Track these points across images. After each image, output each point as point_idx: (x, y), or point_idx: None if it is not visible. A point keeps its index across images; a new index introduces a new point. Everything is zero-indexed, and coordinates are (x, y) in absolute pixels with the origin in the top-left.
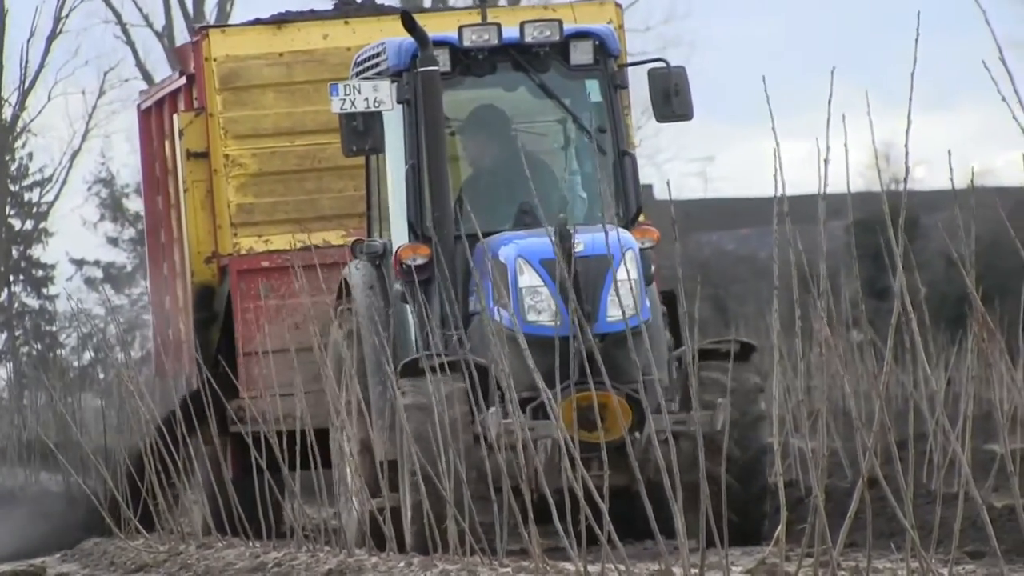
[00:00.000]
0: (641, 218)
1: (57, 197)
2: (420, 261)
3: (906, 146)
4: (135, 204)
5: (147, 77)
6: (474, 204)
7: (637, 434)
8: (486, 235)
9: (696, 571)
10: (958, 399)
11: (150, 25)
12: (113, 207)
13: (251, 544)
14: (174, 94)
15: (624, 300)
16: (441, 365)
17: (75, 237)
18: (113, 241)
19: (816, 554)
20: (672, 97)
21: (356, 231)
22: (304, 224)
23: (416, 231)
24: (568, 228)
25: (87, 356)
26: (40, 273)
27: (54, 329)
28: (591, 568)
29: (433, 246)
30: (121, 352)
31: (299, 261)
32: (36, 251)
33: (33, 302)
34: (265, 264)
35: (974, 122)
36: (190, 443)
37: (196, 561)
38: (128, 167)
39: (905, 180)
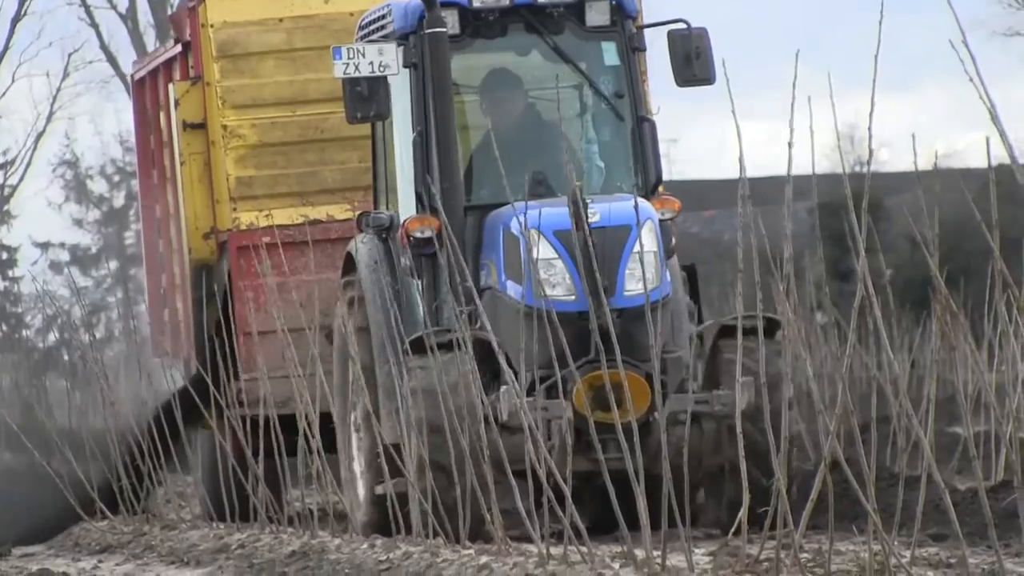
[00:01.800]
0: (660, 188)
1: (21, 179)
2: (428, 233)
3: (870, 129)
4: (100, 186)
5: (111, 59)
6: (486, 173)
7: (656, 415)
8: (497, 206)
9: (658, 554)
10: (922, 382)
11: (114, 7)
12: (78, 189)
13: (215, 526)
14: (169, 63)
15: (643, 273)
16: (449, 343)
17: (40, 219)
18: (78, 223)
19: (778, 537)
20: (693, 60)
21: (361, 204)
22: (307, 198)
23: (424, 202)
24: (584, 197)
25: (52, 337)
26: (4, 256)
27: (19, 310)
28: (554, 550)
29: (441, 217)
30: (86, 334)
31: (302, 236)
32: (0, 233)
33: None
34: (266, 240)
35: (937, 104)
36: (186, 428)
37: (160, 542)
38: (92, 149)
39: (868, 162)
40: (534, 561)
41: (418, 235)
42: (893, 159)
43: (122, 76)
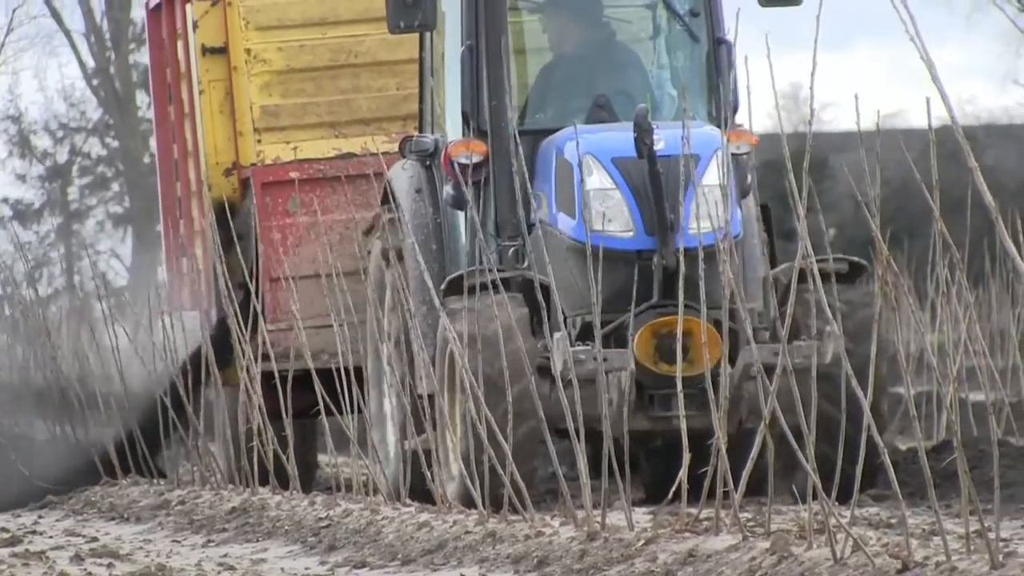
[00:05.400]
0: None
1: None
2: (474, 159)
3: (811, 88)
4: (43, 141)
5: (55, 14)
6: (545, 96)
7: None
8: (555, 131)
9: (598, 513)
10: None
11: None
12: (21, 144)
13: (156, 482)
14: None
15: (710, 209)
16: (493, 282)
17: None
18: (21, 178)
19: (718, 496)
20: None
21: (399, 136)
22: (339, 129)
23: (471, 124)
24: (649, 121)
25: None
26: None
27: None
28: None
29: (489, 141)
30: (28, 289)
31: (333, 171)
32: None
33: None
34: (294, 175)
35: (873, 63)
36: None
37: (100, 498)
38: (36, 104)
39: (810, 122)
40: (474, 519)
41: (462, 160)
42: (838, 118)
43: (67, 32)
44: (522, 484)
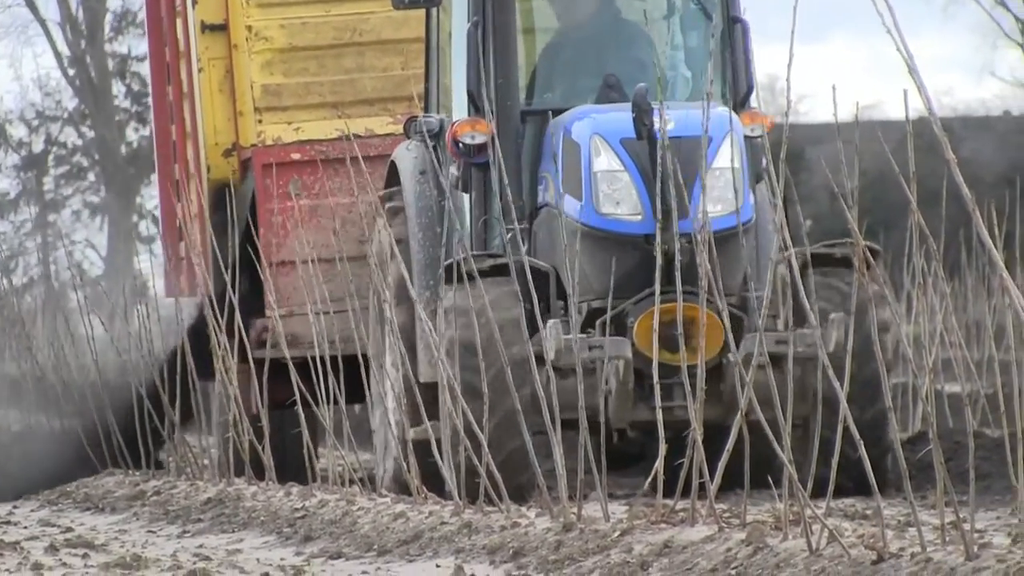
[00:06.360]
0: (751, 102)
1: None
2: (479, 139)
3: (788, 80)
4: (19, 131)
5: (30, 3)
6: (552, 75)
7: (730, 357)
8: (563, 111)
9: (574, 504)
10: None
11: None
12: None
13: (131, 473)
14: None
15: (722, 193)
16: (491, 269)
17: None
18: None
19: (694, 489)
20: None
21: (404, 117)
22: (342, 109)
23: (477, 103)
24: (648, 101)
25: None
26: None
27: None
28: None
29: (495, 121)
30: (3, 279)
31: (336, 153)
32: None
33: None
34: (295, 157)
35: (848, 55)
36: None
37: (76, 488)
38: (11, 93)
39: (787, 113)
40: (450, 510)
41: (467, 140)
42: (815, 110)
43: (42, 21)
44: (498, 475)
